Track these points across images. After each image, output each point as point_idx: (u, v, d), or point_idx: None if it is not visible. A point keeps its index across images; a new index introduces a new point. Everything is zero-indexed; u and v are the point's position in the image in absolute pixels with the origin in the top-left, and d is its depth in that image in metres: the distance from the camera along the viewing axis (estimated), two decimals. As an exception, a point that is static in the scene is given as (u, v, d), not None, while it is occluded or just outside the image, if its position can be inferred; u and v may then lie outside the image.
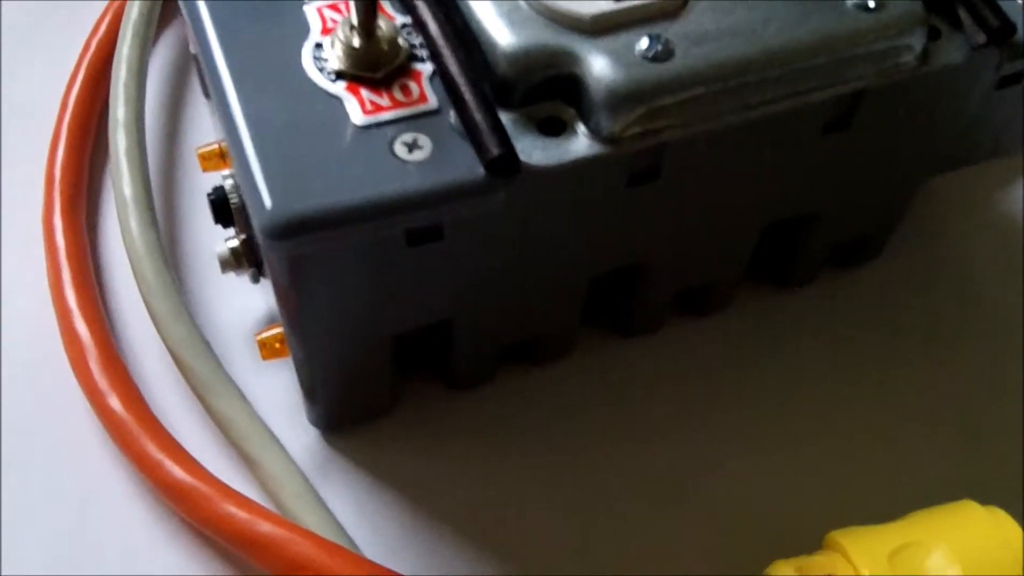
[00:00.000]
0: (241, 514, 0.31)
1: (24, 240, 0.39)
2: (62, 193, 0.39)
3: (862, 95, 0.30)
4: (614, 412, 0.36)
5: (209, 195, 0.34)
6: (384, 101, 0.27)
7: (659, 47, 0.28)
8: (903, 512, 0.29)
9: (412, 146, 0.27)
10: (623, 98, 0.27)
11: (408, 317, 0.32)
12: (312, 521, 0.32)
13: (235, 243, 0.35)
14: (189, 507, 0.32)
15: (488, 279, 0.31)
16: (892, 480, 0.34)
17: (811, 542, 0.28)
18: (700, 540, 0.33)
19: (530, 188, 0.27)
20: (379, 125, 0.27)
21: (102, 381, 0.35)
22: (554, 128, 0.28)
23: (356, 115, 0.27)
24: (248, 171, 0.26)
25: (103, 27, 0.42)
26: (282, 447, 0.34)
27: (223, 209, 0.34)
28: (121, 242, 0.37)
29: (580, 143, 0.28)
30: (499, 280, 0.32)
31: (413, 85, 0.28)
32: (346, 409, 0.35)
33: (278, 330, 0.34)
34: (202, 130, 0.42)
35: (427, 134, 0.27)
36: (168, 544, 0.33)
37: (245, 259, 0.36)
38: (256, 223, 0.26)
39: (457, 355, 0.35)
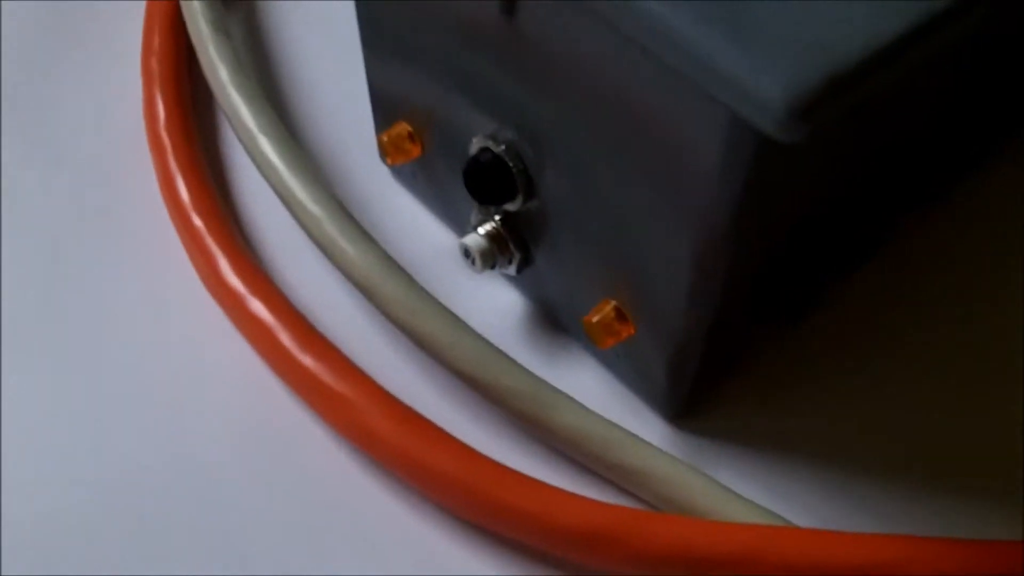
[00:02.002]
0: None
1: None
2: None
3: None
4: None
5: (473, 163, 0.26)
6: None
7: None
8: None
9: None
10: None
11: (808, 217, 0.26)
12: (734, 510, 0.25)
13: (492, 225, 0.27)
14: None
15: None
16: None
17: None
18: None
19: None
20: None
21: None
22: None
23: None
24: (711, 58, 0.19)
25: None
26: (664, 452, 0.27)
27: (492, 177, 0.26)
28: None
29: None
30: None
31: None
32: (708, 380, 0.28)
33: (610, 306, 0.26)
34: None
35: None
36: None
37: (510, 242, 0.28)
38: (763, 115, 0.19)
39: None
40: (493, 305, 0.31)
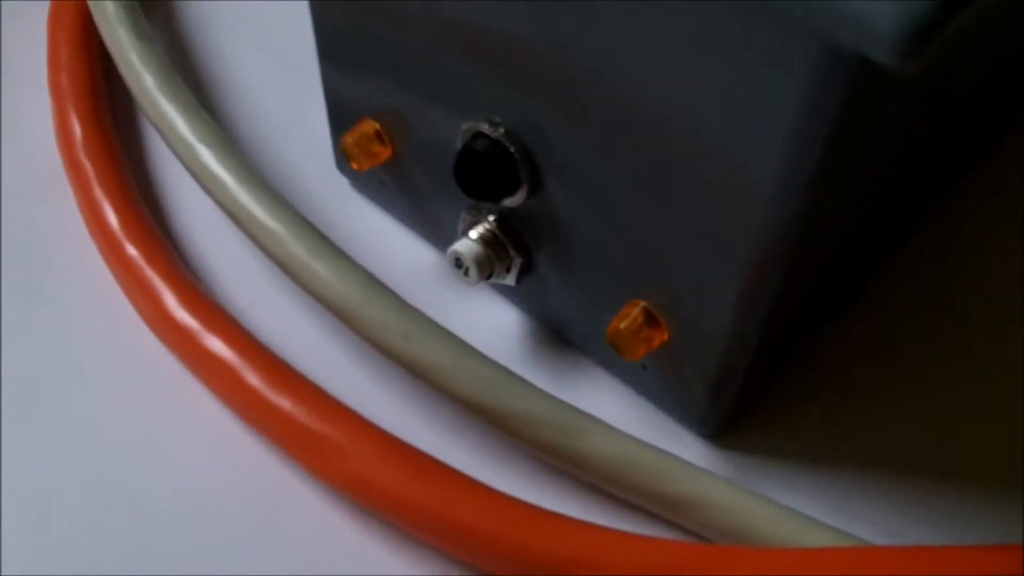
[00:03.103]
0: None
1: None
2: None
3: None
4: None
5: (466, 152, 0.22)
6: None
7: None
8: None
9: None
10: None
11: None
12: (805, 534, 0.22)
13: (485, 227, 0.23)
14: None
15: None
16: None
17: None
18: None
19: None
20: None
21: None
22: None
23: None
24: None
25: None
26: (718, 477, 0.23)
27: (490, 167, 0.22)
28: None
29: None
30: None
31: None
32: (753, 391, 0.24)
33: (639, 308, 0.22)
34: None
35: None
36: None
37: (509, 245, 0.24)
38: (877, 38, 0.15)
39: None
40: (488, 325, 0.27)
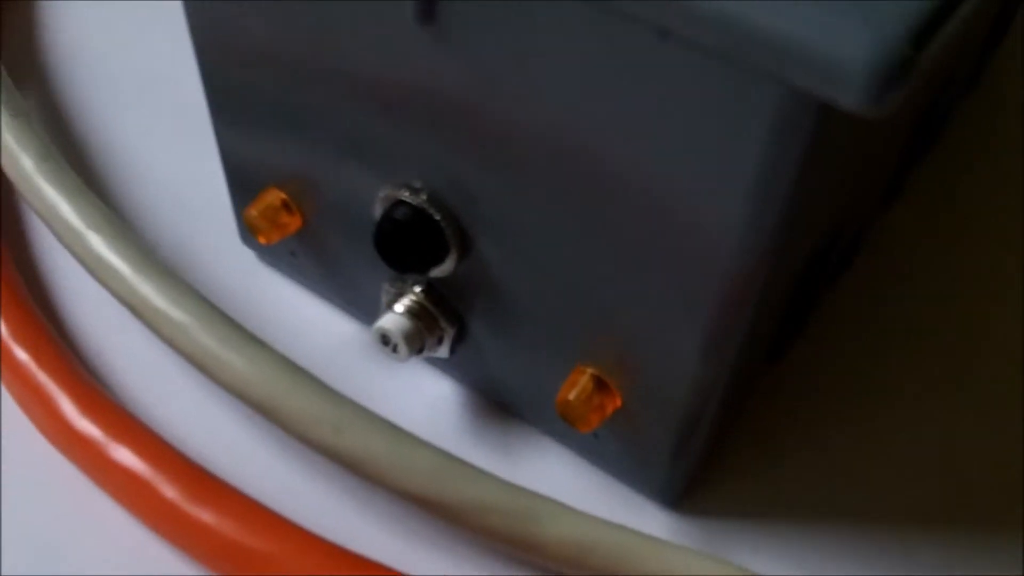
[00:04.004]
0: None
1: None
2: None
3: None
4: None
5: (386, 222, 0.20)
6: None
7: None
8: None
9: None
10: None
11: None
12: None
13: (412, 299, 0.22)
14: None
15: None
16: None
17: None
18: None
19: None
20: None
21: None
22: None
23: None
24: (771, 29, 0.14)
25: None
26: (691, 549, 0.22)
27: (414, 238, 0.20)
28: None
29: None
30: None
31: None
32: (714, 448, 0.23)
33: (587, 375, 0.21)
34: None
35: None
36: None
37: (440, 316, 0.22)
38: (847, 88, 0.13)
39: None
40: (421, 400, 0.25)
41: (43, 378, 0.24)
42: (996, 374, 0.26)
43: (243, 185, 0.25)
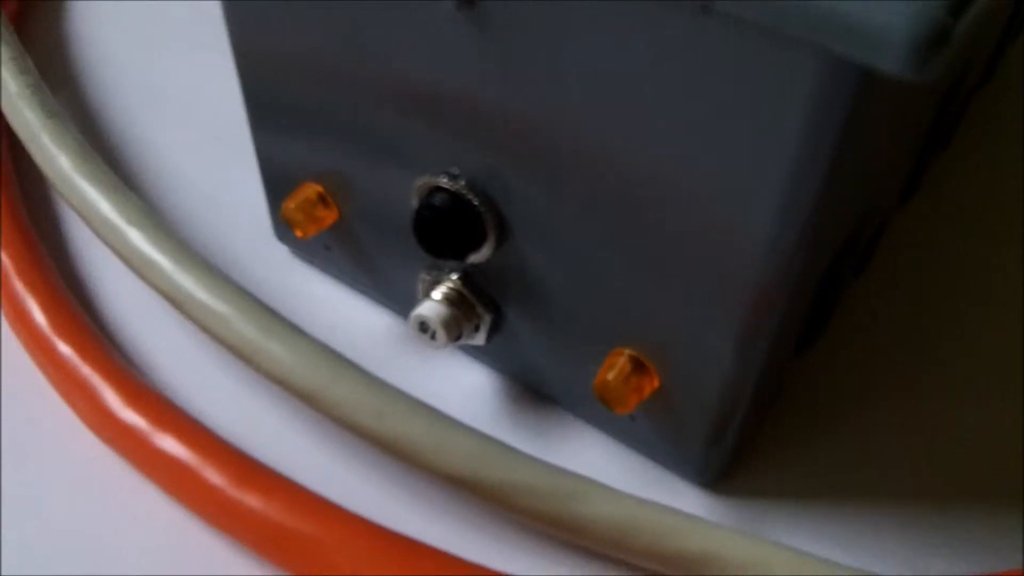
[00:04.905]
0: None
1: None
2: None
3: None
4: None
5: (426, 209, 0.20)
6: None
7: None
8: None
9: None
10: None
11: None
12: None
13: (449, 287, 0.22)
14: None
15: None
16: None
17: None
18: None
19: None
20: None
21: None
22: None
23: None
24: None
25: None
26: (731, 529, 0.22)
27: (453, 224, 0.21)
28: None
29: None
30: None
31: None
32: (751, 430, 0.23)
33: (624, 357, 0.21)
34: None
35: None
36: None
37: (477, 303, 0.22)
38: (894, 58, 0.14)
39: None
40: (458, 388, 0.25)
41: (86, 371, 0.24)
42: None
43: (279, 181, 0.25)
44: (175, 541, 0.23)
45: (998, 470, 0.25)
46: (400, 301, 0.25)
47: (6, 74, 0.28)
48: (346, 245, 0.26)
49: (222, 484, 0.22)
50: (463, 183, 0.21)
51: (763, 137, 0.16)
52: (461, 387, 0.25)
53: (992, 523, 0.24)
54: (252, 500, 0.21)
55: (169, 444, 0.22)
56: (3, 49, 0.29)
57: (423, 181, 0.22)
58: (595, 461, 0.24)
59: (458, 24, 0.18)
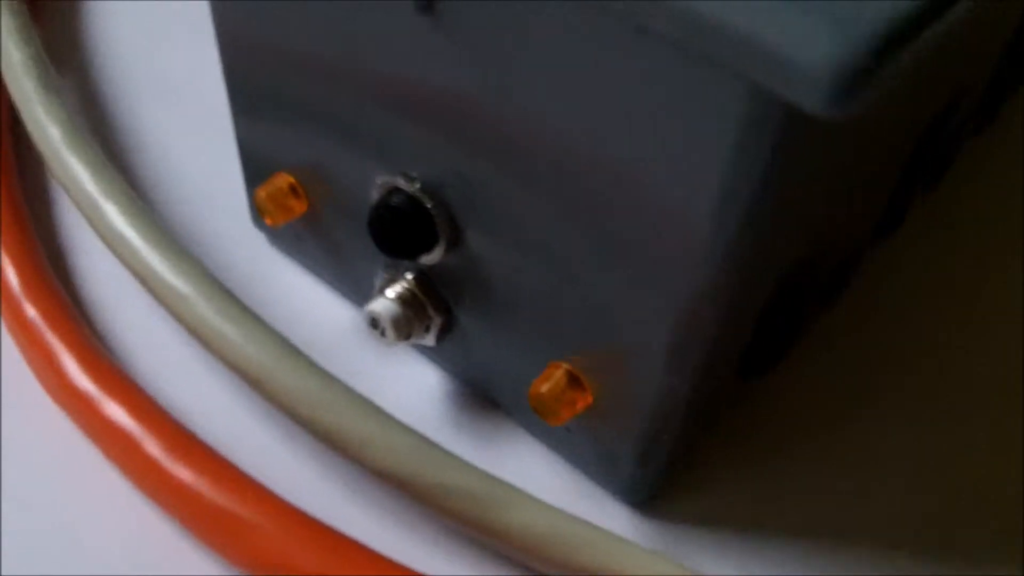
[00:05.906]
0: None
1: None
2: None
3: None
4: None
5: (381, 208, 0.21)
6: None
7: None
8: None
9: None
10: None
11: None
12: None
13: (403, 286, 0.22)
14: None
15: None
16: None
17: None
18: None
19: None
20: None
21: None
22: None
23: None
24: (739, 30, 0.14)
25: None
26: (645, 548, 0.23)
27: (406, 224, 0.21)
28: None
29: None
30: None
31: None
32: (682, 454, 0.23)
33: (561, 371, 0.21)
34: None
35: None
36: None
37: (428, 304, 0.23)
38: (806, 93, 0.14)
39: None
40: (409, 386, 0.26)
41: (49, 336, 0.25)
42: (980, 402, 0.26)
43: (255, 169, 0.26)
44: (113, 507, 0.23)
45: (934, 510, 0.24)
46: (362, 295, 0.26)
47: (9, 43, 0.29)
48: (315, 237, 0.26)
49: (158, 455, 0.22)
50: (418, 185, 0.21)
51: (694, 156, 0.16)
52: (413, 386, 0.26)
53: (924, 561, 0.24)
54: (184, 474, 0.22)
55: (115, 412, 0.23)
56: (10, 19, 0.29)
57: (382, 180, 0.22)
58: (532, 471, 0.24)
59: (418, 26, 0.19)
